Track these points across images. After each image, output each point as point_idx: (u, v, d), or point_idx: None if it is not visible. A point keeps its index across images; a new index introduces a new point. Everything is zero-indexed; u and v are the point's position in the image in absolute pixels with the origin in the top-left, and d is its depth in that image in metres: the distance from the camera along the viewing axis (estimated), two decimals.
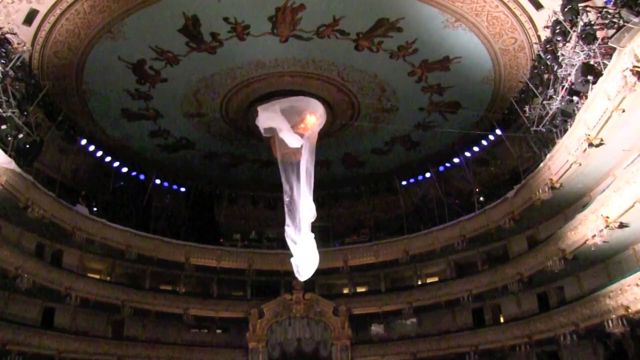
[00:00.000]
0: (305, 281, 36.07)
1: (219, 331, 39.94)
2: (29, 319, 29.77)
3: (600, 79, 19.86)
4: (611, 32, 18.65)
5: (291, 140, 29.49)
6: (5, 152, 24.80)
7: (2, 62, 22.71)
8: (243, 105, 33.40)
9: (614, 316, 23.51)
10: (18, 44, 23.64)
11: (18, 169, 25.90)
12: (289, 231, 29.30)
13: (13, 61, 23.19)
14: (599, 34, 19.90)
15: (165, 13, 25.45)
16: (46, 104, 29.49)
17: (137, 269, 37.98)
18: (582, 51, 20.93)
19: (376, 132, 36.65)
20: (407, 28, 26.82)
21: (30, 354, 28.00)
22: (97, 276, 36.58)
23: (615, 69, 18.65)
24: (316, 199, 42.13)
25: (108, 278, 36.62)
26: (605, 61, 19.74)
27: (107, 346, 33.84)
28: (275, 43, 27.94)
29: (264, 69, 30.31)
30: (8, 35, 22.89)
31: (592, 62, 20.84)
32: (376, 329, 40.05)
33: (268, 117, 29.31)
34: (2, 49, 22.70)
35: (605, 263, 26.34)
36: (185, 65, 29.22)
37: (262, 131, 30.12)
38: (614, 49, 18.71)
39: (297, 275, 29.68)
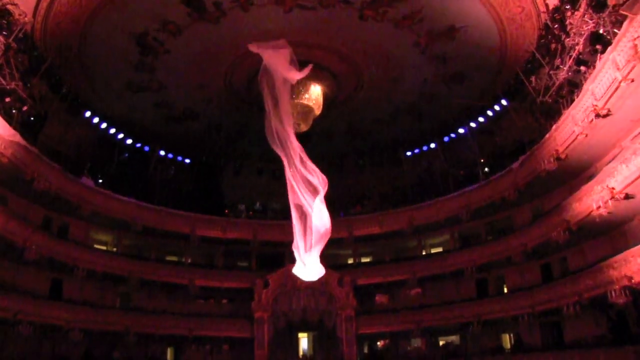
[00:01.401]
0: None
1: (224, 301, 40.27)
2: (38, 290, 30.23)
3: (609, 48, 19.60)
4: None
5: (291, 73, 27.31)
6: (10, 124, 24.77)
7: (4, 34, 22.53)
8: (247, 76, 33.16)
9: (617, 287, 23.68)
10: (19, 15, 23.39)
11: (23, 142, 25.87)
12: (299, 254, 27.98)
13: (15, 32, 23.01)
14: (610, 2, 19.60)
15: None
16: (50, 76, 29.33)
17: (143, 241, 38.25)
18: (592, 20, 20.66)
19: (380, 103, 36.43)
20: None
21: (40, 324, 28.53)
22: (104, 248, 37.00)
23: (626, 38, 18.41)
24: (321, 170, 42.32)
25: (114, 249, 36.99)
26: (615, 30, 19.49)
27: (115, 316, 34.36)
28: (279, 13, 27.64)
29: (268, 39, 30.00)
30: (9, 6, 22.66)
31: (601, 31, 20.59)
32: (380, 299, 40.29)
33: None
34: (4, 21, 22.49)
35: (609, 234, 26.37)
36: (189, 36, 28.98)
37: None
38: (624, 17, 18.45)
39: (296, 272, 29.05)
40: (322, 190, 26.70)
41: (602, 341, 26.63)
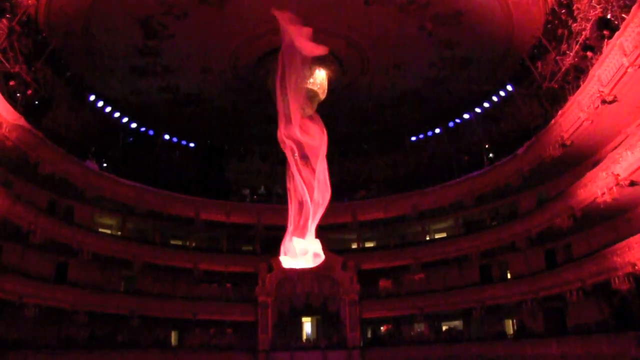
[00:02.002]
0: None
1: (228, 285, 40.39)
2: (43, 273, 30.50)
3: (617, 33, 19.40)
4: None
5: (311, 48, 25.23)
6: (15, 108, 24.75)
7: (8, 17, 22.44)
8: (252, 60, 33.01)
9: (620, 273, 23.70)
10: None
11: (28, 126, 25.87)
12: (293, 246, 24.98)
13: (18, 15, 22.93)
14: None
15: None
16: (54, 60, 29.30)
17: (148, 224, 38.41)
18: (599, 4, 20.47)
19: (385, 88, 36.26)
20: None
21: (46, 307, 28.79)
22: (108, 231, 37.16)
23: (634, 23, 18.21)
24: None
25: (119, 233, 37.14)
26: (624, 15, 19.29)
27: (119, 300, 34.68)
28: None
29: (273, 22, 29.80)
30: None
31: (608, 16, 20.39)
32: (384, 283, 40.40)
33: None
34: (7, 3, 22.39)
35: (613, 221, 26.31)
36: (193, 20, 28.78)
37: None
38: (633, 2, 18.25)
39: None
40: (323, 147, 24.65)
41: (605, 327, 26.70)
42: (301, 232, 24.49)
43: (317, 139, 24.79)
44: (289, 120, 24.94)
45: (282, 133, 25.05)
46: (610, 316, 26.77)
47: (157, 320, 35.98)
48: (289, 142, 24.88)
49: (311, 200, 24.07)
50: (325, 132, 24.95)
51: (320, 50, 25.40)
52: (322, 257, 25.09)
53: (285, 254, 25.12)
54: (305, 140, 24.70)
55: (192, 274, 38.10)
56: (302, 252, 24.45)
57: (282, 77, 25.71)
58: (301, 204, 24.81)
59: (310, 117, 26.06)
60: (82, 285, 32.55)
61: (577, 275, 27.71)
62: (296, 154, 24.89)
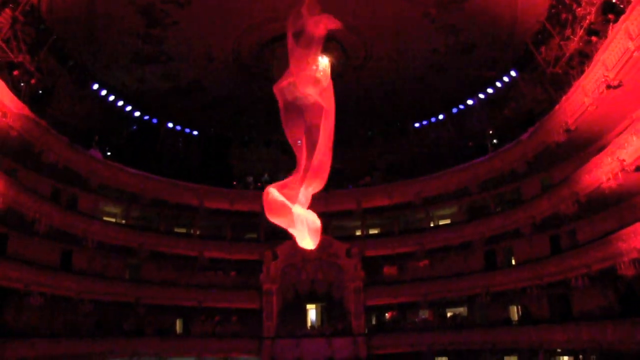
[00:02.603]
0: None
1: (233, 273, 40.56)
2: (48, 261, 30.53)
3: (622, 17, 19.25)
4: None
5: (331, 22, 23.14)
6: (19, 98, 24.75)
7: (11, 7, 22.41)
8: (255, 47, 32.91)
9: (626, 259, 23.57)
10: None
11: (32, 115, 25.89)
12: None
13: (21, 5, 22.89)
14: None
15: None
16: (57, 49, 29.28)
17: (152, 212, 38.48)
18: None
19: (389, 74, 36.10)
20: None
21: (51, 295, 28.92)
22: (113, 219, 37.20)
23: None
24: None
25: (123, 221, 37.21)
26: None
27: (124, 288, 34.86)
28: None
29: (276, 10, 29.68)
30: None
31: (613, 0, 20.22)
32: (389, 270, 40.44)
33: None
34: None
35: (619, 206, 26.20)
36: (196, 7, 28.69)
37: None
38: None
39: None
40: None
41: (610, 313, 26.67)
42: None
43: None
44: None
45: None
46: (616, 302, 26.73)
47: (162, 308, 36.18)
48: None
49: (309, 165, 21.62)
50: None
51: (336, 23, 23.18)
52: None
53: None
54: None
55: (196, 262, 38.29)
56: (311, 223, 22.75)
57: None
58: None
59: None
60: (87, 274, 32.70)
61: (582, 261, 27.61)
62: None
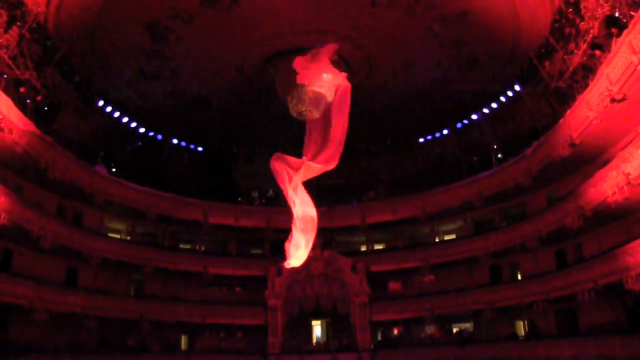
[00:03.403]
0: (324, 239, 36.50)
1: (238, 289, 40.41)
2: (53, 278, 30.52)
3: (625, 31, 19.27)
4: None
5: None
6: (25, 114, 24.91)
7: (18, 25, 22.64)
8: (259, 63, 33.11)
9: (633, 273, 23.42)
10: (33, 5, 23.52)
11: (38, 131, 26.02)
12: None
13: (28, 23, 23.11)
14: None
15: None
16: (63, 65, 29.41)
17: (157, 228, 38.52)
18: (607, 2, 20.36)
19: (393, 89, 36.23)
20: None
21: (56, 311, 28.85)
22: (118, 236, 37.25)
23: None
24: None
25: (128, 238, 37.27)
26: (632, 12, 19.18)
27: (129, 304, 34.77)
28: (291, 0, 27.53)
29: (280, 26, 29.92)
30: None
31: (616, 14, 20.29)
32: (394, 285, 40.29)
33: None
34: (18, 11, 22.58)
35: (624, 220, 26.09)
36: (201, 23, 28.96)
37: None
38: None
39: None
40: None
41: (618, 328, 26.44)
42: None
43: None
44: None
45: None
46: (624, 317, 26.53)
47: (167, 325, 36.02)
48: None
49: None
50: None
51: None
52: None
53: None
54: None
55: (201, 278, 38.20)
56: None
57: None
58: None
59: None
60: (92, 290, 32.60)
61: (588, 275, 27.46)
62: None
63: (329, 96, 32.87)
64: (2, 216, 23.59)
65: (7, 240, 27.27)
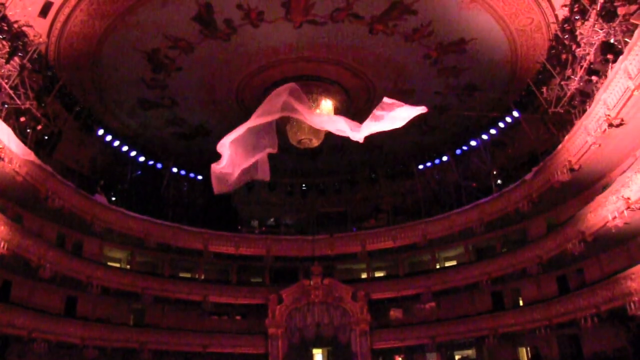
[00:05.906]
0: (324, 266, 36.47)
1: (238, 317, 40.20)
2: (52, 307, 30.34)
3: (621, 58, 19.48)
4: (633, 8, 18.30)
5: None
6: (25, 144, 25.03)
7: (20, 55, 22.87)
8: (258, 92, 33.28)
9: (635, 298, 23.27)
10: (34, 36, 23.75)
11: (38, 161, 26.15)
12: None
13: (30, 53, 23.34)
14: (620, 11, 19.54)
15: (178, 1, 25.41)
16: (63, 95, 29.72)
17: (156, 257, 38.41)
18: (602, 29, 20.59)
19: None
20: (422, 10, 26.47)
21: (55, 342, 28.59)
22: (117, 265, 37.16)
23: (637, 46, 18.29)
24: (333, 184, 42.21)
25: (128, 266, 37.14)
26: (627, 39, 19.39)
27: (129, 333, 34.37)
28: (289, 29, 27.78)
29: (279, 54, 30.18)
30: (24, 28, 22.95)
31: (612, 41, 20.50)
32: (395, 313, 40.02)
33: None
34: (19, 42, 22.80)
35: (626, 245, 26.03)
36: (200, 52, 29.21)
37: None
38: (635, 26, 18.38)
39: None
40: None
41: (622, 354, 26.22)
42: None
43: None
44: None
45: None
46: (628, 343, 26.31)
47: (167, 354, 35.59)
48: None
49: None
50: None
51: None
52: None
53: None
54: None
55: (201, 307, 37.89)
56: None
57: None
58: None
59: None
60: (91, 320, 32.37)
61: (591, 301, 27.30)
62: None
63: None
64: (2, 245, 23.55)
65: (6, 270, 27.12)
